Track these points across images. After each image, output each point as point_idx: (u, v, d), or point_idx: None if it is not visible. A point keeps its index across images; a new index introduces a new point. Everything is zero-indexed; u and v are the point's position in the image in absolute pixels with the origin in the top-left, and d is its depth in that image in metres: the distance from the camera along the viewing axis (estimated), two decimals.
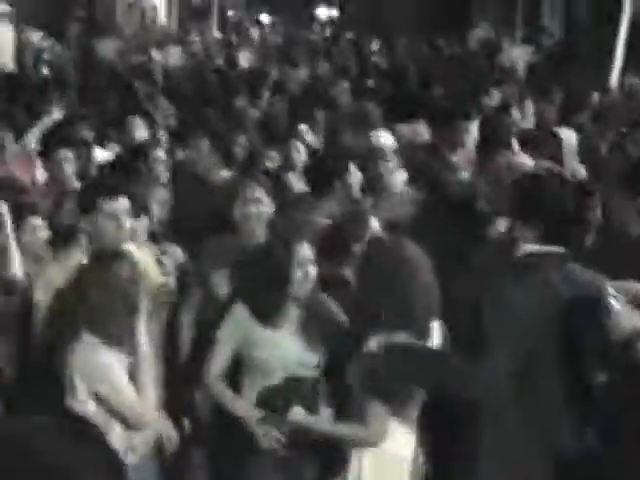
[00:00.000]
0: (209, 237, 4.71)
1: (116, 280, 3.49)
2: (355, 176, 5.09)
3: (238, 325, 3.92)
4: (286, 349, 3.86)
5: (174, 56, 18.39)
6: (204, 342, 4.15)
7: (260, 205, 4.48)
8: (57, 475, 1.24)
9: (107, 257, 3.65)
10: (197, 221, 5.08)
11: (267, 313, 3.86)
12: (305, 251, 3.82)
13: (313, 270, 3.82)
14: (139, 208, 4.42)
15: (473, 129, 6.58)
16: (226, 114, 8.70)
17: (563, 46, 18.71)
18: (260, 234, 4.43)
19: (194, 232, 4.91)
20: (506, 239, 3.55)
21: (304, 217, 4.75)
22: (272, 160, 6.04)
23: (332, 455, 3.55)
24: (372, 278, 3.46)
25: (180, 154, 6.79)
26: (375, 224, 4.36)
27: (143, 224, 4.51)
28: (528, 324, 2.94)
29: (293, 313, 3.90)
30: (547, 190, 3.12)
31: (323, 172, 5.18)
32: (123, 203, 4.13)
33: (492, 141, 5.75)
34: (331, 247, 4.22)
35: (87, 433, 1.38)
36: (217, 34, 27.26)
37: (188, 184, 5.75)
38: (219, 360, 3.94)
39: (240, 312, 3.93)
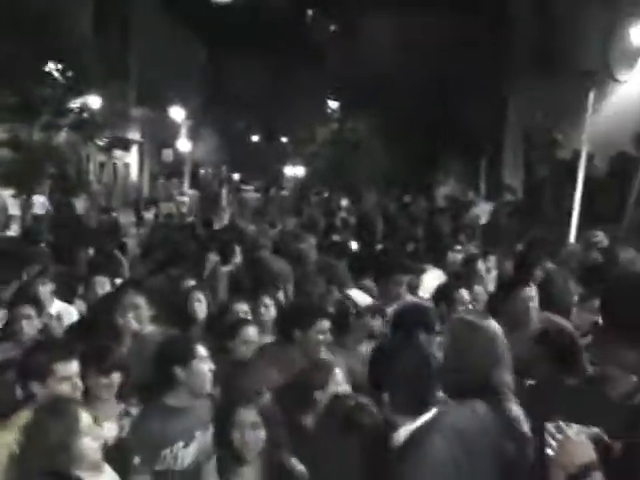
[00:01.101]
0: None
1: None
2: (317, 330, 5.11)
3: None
4: None
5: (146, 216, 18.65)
6: None
7: (208, 363, 4.39)
8: None
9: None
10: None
11: (226, 472, 3.85)
12: (249, 415, 3.83)
13: (260, 433, 3.82)
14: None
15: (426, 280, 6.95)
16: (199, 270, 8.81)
17: (525, 203, 19.33)
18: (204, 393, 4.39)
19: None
20: None
21: (252, 379, 4.72)
22: (244, 313, 6.03)
23: None
24: (331, 434, 3.43)
25: None
26: (339, 375, 4.37)
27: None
28: None
29: (249, 475, 3.87)
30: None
31: (287, 324, 5.25)
32: (76, 365, 4.11)
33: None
34: (295, 394, 4.23)
35: None
36: (189, 192, 27.81)
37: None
38: None
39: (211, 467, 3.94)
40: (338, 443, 3.29)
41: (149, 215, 18.65)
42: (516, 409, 3.49)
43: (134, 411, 4.53)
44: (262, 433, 3.82)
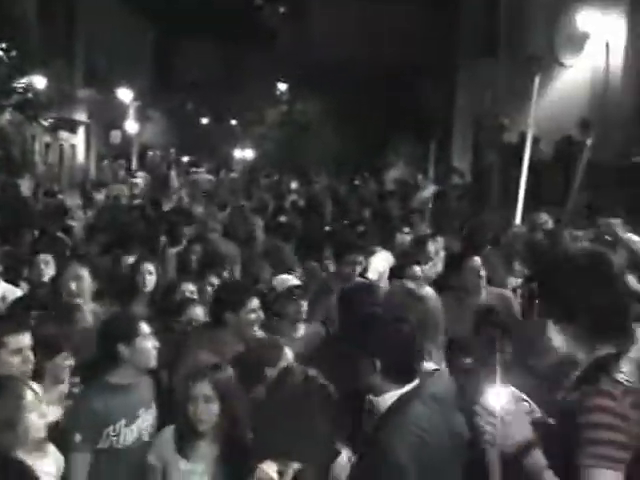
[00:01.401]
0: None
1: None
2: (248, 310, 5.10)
3: (161, 450, 3.93)
4: None
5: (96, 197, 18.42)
6: None
7: (151, 340, 4.41)
8: None
9: None
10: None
11: (183, 446, 3.86)
12: (203, 389, 3.84)
13: (214, 406, 3.84)
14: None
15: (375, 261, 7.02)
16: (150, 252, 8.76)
17: (473, 187, 19.54)
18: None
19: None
20: None
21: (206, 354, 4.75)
22: (190, 293, 6.01)
23: None
24: (279, 403, 3.49)
25: None
26: (289, 353, 4.44)
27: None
28: None
29: (204, 447, 3.88)
30: None
31: (218, 307, 5.22)
32: (28, 337, 4.12)
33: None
34: (246, 370, 4.26)
35: None
36: (140, 174, 27.45)
37: None
38: None
39: (166, 438, 3.94)
40: (289, 413, 3.35)
41: (100, 196, 18.41)
42: None
43: (76, 391, 4.52)
44: (215, 407, 3.83)
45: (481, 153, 20.49)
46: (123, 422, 4.24)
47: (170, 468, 3.88)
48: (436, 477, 3.04)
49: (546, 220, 10.17)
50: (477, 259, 6.42)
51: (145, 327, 4.42)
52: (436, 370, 3.44)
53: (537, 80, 12.23)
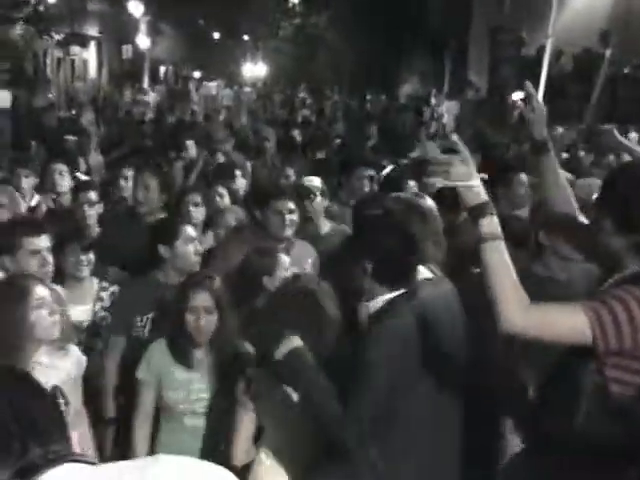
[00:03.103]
0: (132, 276, 4.78)
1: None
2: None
3: (155, 363, 3.94)
4: (194, 391, 3.87)
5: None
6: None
7: (194, 244, 4.50)
8: None
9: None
10: (128, 259, 5.07)
11: (180, 356, 3.90)
12: (202, 300, 3.84)
13: (212, 317, 3.84)
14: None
15: None
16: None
17: (488, 102, 19.29)
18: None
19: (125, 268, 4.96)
20: None
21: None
22: (194, 205, 5.99)
23: None
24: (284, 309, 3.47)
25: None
26: (286, 260, 4.40)
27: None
28: None
29: (200, 356, 3.92)
30: None
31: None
32: (45, 240, 4.16)
33: None
34: (242, 280, 4.26)
35: None
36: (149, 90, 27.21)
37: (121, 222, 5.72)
38: (143, 404, 3.92)
39: (159, 350, 3.95)
40: (295, 319, 3.33)
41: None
42: None
43: (111, 291, 4.65)
44: (214, 318, 3.84)
45: (497, 67, 20.18)
46: (151, 315, 4.34)
47: (167, 379, 3.87)
48: (415, 381, 3.06)
49: (562, 135, 10.05)
50: (523, 175, 6.27)
51: (190, 231, 4.50)
52: (433, 278, 3.39)
53: None
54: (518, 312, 2.50)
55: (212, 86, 31.42)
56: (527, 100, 3.09)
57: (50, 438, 1.72)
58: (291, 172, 7.13)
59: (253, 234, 5.15)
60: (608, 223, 2.69)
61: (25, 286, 3.51)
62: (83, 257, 4.55)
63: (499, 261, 2.53)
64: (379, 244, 3.15)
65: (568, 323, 2.54)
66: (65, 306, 3.77)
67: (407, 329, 3.04)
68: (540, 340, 2.56)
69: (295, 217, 5.05)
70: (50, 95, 20.74)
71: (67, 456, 1.71)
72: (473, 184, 2.57)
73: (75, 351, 3.81)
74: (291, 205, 5.04)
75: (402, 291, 3.15)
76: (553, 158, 3.18)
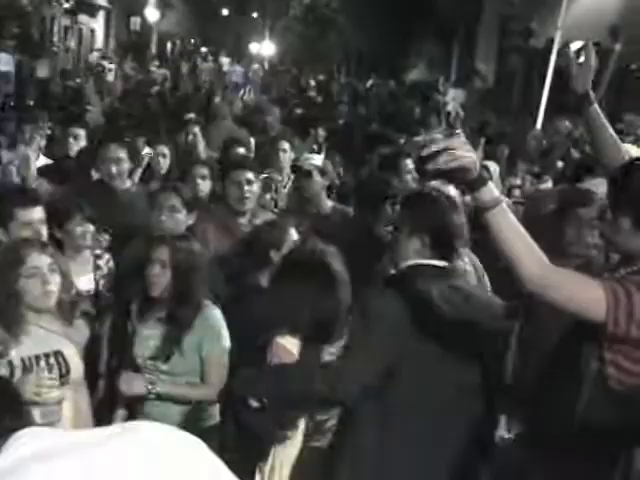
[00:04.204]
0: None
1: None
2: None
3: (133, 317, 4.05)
4: (149, 348, 3.91)
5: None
6: None
7: (175, 213, 4.50)
8: None
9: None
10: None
11: (141, 309, 3.99)
12: (162, 253, 3.83)
13: (165, 273, 3.83)
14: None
15: None
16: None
17: (494, 91, 19.28)
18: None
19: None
20: None
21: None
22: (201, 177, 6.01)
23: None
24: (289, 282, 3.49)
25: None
26: (294, 234, 4.34)
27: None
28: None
29: (159, 315, 3.92)
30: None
31: None
32: (39, 211, 4.15)
33: None
34: (251, 253, 4.27)
35: None
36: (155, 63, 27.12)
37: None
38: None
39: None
40: (305, 279, 3.38)
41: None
42: None
43: (106, 259, 4.67)
44: (168, 273, 3.83)
45: (505, 57, 20.12)
46: None
47: (135, 336, 3.95)
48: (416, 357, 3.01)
49: (568, 126, 10.01)
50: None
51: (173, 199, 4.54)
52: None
53: None
54: (538, 270, 2.47)
55: (225, 62, 31.31)
56: (579, 52, 3.12)
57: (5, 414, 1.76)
58: (287, 146, 7.08)
59: (218, 208, 5.13)
60: (627, 222, 2.64)
61: (17, 254, 3.51)
62: (89, 226, 4.53)
63: (507, 224, 2.50)
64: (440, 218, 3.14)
65: (586, 293, 2.52)
66: (69, 276, 3.75)
67: (426, 298, 2.99)
68: (556, 301, 2.51)
69: (255, 188, 4.99)
70: (55, 64, 20.73)
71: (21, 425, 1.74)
72: (474, 160, 2.54)
73: (79, 321, 3.83)
74: (249, 176, 4.96)
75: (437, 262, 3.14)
76: (597, 110, 3.17)
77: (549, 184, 7.03)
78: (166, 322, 3.87)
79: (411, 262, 3.11)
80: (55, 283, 3.55)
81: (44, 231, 4.17)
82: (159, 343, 3.86)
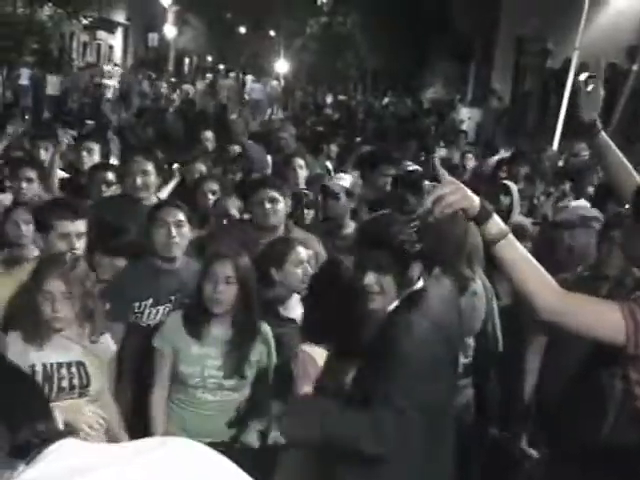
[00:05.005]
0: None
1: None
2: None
3: (170, 335, 3.92)
4: (208, 367, 3.84)
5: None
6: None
7: (182, 228, 4.35)
8: None
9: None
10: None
11: (194, 329, 3.87)
12: (226, 269, 3.81)
13: (232, 287, 3.81)
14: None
15: None
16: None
17: (511, 111, 19.23)
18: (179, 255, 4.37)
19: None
20: None
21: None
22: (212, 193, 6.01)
23: None
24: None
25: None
26: (303, 253, 4.30)
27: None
28: None
29: (216, 332, 3.89)
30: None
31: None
32: (80, 225, 4.11)
33: None
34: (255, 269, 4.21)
35: None
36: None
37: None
38: (159, 372, 3.93)
39: (174, 322, 3.94)
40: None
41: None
42: None
43: None
44: (234, 288, 3.81)
45: (522, 77, 20.09)
46: (150, 301, 4.25)
47: (182, 354, 3.85)
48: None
49: (583, 148, 9.95)
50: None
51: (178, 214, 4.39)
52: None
53: (587, 3, 11.89)
54: (553, 297, 2.44)
55: (248, 79, 31.38)
56: (587, 81, 3.10)
57: (35, 417, 1.73)
58: (302, 163, 7.08)
59: (243, 225, 5.15)
60: None
61: (41, 275, 3.53)
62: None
63: (516, 255, 2.49)
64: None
65: (604, 317, 2.47)
66: (94, 296, 3.69)
67: (432, 318, 2.96)
68: (573, 329, 2.48)
69: (280, 207, 4.96)
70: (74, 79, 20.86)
71: (59, 434, 1.72)
72: (470, 198, 2.51)
73: (106, 337, 3.80)
74: (273, 194, 4.94)
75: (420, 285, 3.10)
76: (605, 138, 3.15)
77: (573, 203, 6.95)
78: (234, 337, 3.84)
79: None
80: (64, 308, 3.53)
81: (78, 245, 4.10)
82: (225, 360, 3.83)
